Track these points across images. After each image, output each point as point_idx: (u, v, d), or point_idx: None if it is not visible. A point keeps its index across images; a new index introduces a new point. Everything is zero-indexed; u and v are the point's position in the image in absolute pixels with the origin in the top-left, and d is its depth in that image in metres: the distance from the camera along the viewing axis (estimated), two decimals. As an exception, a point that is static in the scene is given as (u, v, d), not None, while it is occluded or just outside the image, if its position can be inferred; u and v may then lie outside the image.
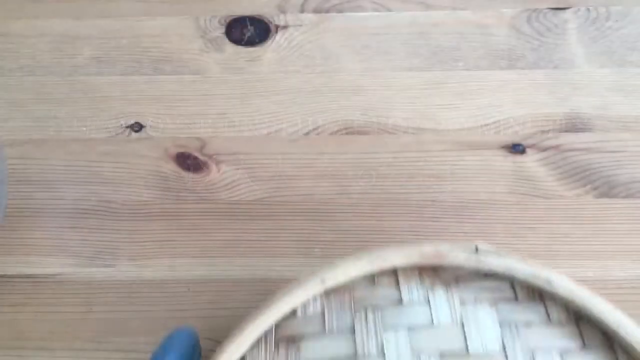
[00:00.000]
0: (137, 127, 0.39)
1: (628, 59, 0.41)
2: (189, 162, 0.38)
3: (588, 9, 0.42)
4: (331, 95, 0.40)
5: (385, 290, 0.25)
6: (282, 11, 0.43)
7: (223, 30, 0.42)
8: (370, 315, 0.25)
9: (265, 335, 0.25)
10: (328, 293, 0.26)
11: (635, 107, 0.39)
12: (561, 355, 0.24)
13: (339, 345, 0.24)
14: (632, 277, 0.34)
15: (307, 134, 0.38)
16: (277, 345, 0.25)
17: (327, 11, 0.43)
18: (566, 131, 0.38)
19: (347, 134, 0.38)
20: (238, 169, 0.37)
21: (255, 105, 0.39)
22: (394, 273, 0.26)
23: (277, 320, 0.25)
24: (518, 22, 0.42)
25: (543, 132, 0.38)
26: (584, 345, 0.24)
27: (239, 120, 0.39)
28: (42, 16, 0.43)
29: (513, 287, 0.26)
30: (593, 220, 0.35)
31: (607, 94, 0.39)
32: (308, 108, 0.39)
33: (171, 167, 0.37)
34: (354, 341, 0.24)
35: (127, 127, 0.39)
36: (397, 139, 0.38)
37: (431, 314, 0.25)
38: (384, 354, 0.24)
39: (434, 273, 0.26)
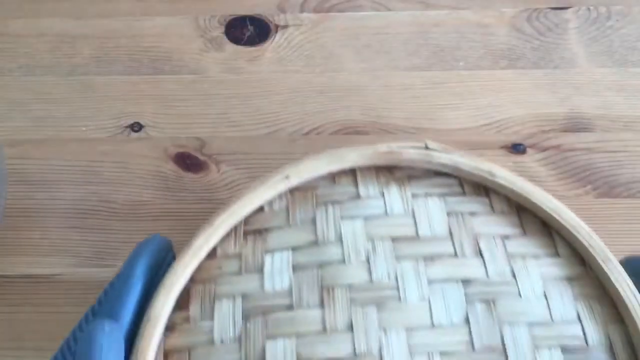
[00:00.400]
0: (137, 127, 0.39)
1: (629, 59, 0.40)
2: (188, 162, 0.37)
3: (588, 9, 0.42)
4: (331, 95, 0.40)
5: (344, 188, 0.28)
6: (282, 11, 0.43)
7: (223, 29, 0.42)
8: (330, 209, 0.27)
9: (235, 228, 0.27)
10: (292, 191, 0.28)
11: (635, 107, 0.39)
12: (502, 240, 0.26)
13: (302, 235, 0.27)
14: (632, 277, 0.34)
15: (307, 134, 0.38)
16: (245, 237, 0.27)
17: (327, 11, 0.43)
18: (567, 131, 0.38)
19: (347, 134, 0.38)
20: (238, 169, 0.37)
21: (255, 105, 0.39)
22: (352, 173, 0.28)
23: (245, 215, 0.27)
24: (518, 22, 0.42)
25: (543, 132, 0.38)
26: (524, 232, 0.27)
27: (239, 120, 0.39)
28: (41, 15, 0.43)
29: (461, 184, 0.28)
30: (594, 221, 0.35)
31: (608, 93, 0.39)
32: (308, 108, 0.39)
33: (171, 167, 0.37)
34: (315, 231, 0.27)
35: (126, 127, 0.39)
36: (397, 139, 0.38)
37: (385, 206, 0.27)
38: (341, 240, 0.26)
39: (389, 172, 0.28)
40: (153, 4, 0.43)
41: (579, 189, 0.36)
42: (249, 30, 0.42)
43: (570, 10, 0.42)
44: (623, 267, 0.26)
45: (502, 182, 0.27)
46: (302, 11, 0.43)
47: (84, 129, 0.39)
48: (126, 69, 0.41)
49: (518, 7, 0.43)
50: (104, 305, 0.26)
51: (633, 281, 0.25)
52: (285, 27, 0.42)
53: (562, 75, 0.40)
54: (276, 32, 0.42)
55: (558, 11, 0.42)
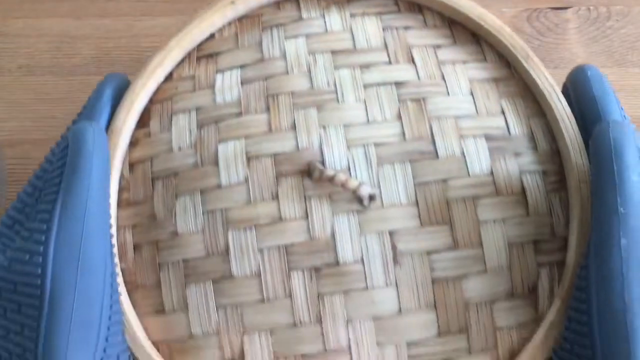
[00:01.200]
0: (137, 127, 0.39)
1: (628, 59, 0.40)
2: (188, 162, 0.37)
3: (589, 9, 0.42)
4: (331, 95, 0.39)
5: (288, 13, 0.31)
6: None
7: (223, 29, 0.42)
8: (275, 31, 0.30)
9: (189, 55, 0.30)
10: (240, 20, 0.31)
11: (635, 107, 0.39)
12: (434, 49, 0.29)
13: (249, 55, 0.30)
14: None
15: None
16: (198, 61, 0.30)
17: (327, 11, 0.43)
18: (566, 131, 0.38)
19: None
20: (238, 169, 0.37)
21: (255, 105, 0.39)
22: (296, 0, 0.31)
23: (198, 42, 0.30)
24: (518, 22, 0.42)
25: (543, 132, 0.38)
26: (455, 42, 0.30)
27: (238, 120, 0.39)
28: (41, 16, 0.43)
29: (397, 3, 0.31)
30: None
31: (608, 93, 0.39)
32: (308, 108, 0.39)
33: (171, 167, 0.37)
34: (261, 50, 0.30)
35: (126, 127, 0.39)
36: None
37: (325, 25, 0.30)
38: (285, 56, 0.29)
39: None
40: (153, 4, 0.43)
41: (578, 189, 0.36)
42: (248, 30, 0.42)
43: (570, 10, 0.42)
44: (569, 78, 0.29)
45: None
46: (302, 11, 0.43)
47: (84, 129, 0.39)
48: (126, 69, 0.41)
49: (518, 7, 0.43)
50: (81, 116, 0.28)
51: (571, 87, 0.29)
52: (285, 27, 0.42)
53: (562, 75, 0.40)
54: (276, 32, 0.42)
55: (558, 11, 0.42)
